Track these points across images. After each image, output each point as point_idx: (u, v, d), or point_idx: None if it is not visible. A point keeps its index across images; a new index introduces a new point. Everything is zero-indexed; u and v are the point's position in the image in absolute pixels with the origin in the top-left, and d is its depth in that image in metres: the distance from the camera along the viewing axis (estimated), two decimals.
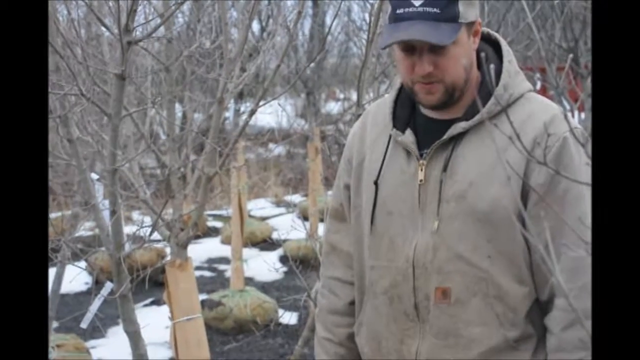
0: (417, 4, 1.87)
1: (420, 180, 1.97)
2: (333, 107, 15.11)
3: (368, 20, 3.74)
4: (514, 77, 1.99)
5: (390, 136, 2.05)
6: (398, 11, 1.89)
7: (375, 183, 2.04)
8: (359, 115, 2.88)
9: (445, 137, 1.96)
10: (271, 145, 14.66)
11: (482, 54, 1.97)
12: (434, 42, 1.86)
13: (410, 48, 1.91)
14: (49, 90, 2.87)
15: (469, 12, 1.92)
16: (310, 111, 10.28)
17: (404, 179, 2.01)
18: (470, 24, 1.93)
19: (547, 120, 1.91)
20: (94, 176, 3.25)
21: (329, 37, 10.99)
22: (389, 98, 2.11)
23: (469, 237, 1.93)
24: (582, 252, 1.27)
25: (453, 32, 1.88)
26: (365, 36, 3.44)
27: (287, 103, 15.00)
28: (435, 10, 1.86)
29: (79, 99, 3.07)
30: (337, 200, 2.22)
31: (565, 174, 1.79)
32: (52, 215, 7.24)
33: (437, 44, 1.87)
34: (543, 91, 9.11)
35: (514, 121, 1.89)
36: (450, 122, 1.97)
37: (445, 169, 1.95)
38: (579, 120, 7.17)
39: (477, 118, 1.94)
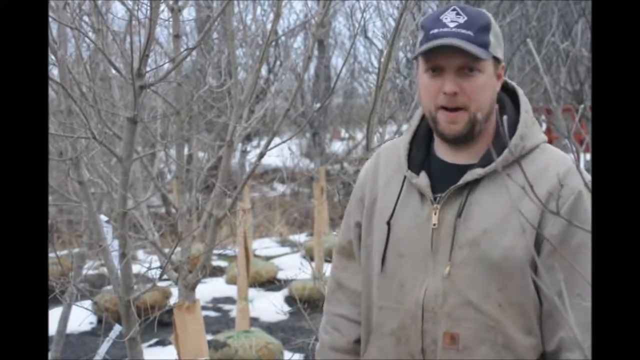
0: (451, 25, 1.91)
1: (434, 225, 1.97)
2: (338, 147, 15.16)
3: (374, 62, 3.77)
4: (530, 127, 2.00)
5: (404, 177, 2.05)
6: (432, 31, 1.92)
7: (388, 223, 2.04)
8: (367, 159, 2.90)
9: (460, 182, 1.96)
10: (276, 185, 14.69)
11: (496, 106, 1.99)
12: (471, 51, 1.88)
13: (438, 68, 1.93)
14: (62, 133, 2.89)
15: (497, 48, 1.96)
16: (316, 151, 10.30)
17: (418, 222, 2.00)
18: (497, 62, 1.97)
19: (562, 172, 1.92)
20: (104, 218, 3.27)
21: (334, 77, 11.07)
22: (404, 139, 2.11)
23: (480, 284, 1.92)
24: None
25: (485, 54, 1.91)
26: (371, 77, 3.46)
27: (292, 143, 15.07)
28: (469, 32, 1.90)
29: (90, 141, 3.10)
30: (346, 238, 2.21)
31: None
32: (60, 253, 7.23)
33: (474, 53, 1.88)
34: (548, 132, 9.16)
35: (530, 171, 1.88)
36: (466, 167, 1.97)
37: (459, 214, 1.95)
38: (584, 162, 7.19)
39: (492, 166, 1.94)
